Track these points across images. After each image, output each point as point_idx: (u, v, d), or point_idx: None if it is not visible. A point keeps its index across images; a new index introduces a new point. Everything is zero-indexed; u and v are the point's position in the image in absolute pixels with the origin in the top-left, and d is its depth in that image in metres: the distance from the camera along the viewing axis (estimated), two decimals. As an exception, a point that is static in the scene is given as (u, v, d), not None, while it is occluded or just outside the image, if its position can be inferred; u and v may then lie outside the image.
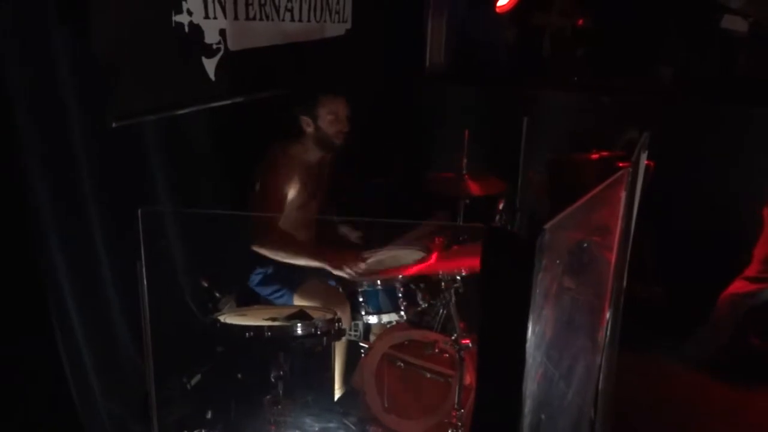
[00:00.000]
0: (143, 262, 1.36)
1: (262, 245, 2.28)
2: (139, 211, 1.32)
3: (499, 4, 3.98)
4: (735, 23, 3.77)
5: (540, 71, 4.28)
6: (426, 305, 2.38)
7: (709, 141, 3.45)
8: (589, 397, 1.84)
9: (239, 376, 1.76)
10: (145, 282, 1.37)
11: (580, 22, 4.17)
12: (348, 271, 2.21)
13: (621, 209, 1.71)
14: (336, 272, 2.24)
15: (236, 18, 2.42)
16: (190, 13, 2.18)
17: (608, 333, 1.86)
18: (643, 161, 2.01)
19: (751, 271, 2.83)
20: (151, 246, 1.49)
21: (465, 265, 1.93)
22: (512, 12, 4.09)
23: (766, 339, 3.11)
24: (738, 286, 2.88)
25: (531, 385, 1.14)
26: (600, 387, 1.85)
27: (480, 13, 4.31)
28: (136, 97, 2.03)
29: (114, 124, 1.92)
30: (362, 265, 2.21)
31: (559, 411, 1.57)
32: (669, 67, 4.01)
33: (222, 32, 2.35)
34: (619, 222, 1.73)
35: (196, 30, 2.23)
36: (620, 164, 2.78)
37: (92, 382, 1.92)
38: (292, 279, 2.38)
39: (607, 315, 1.83)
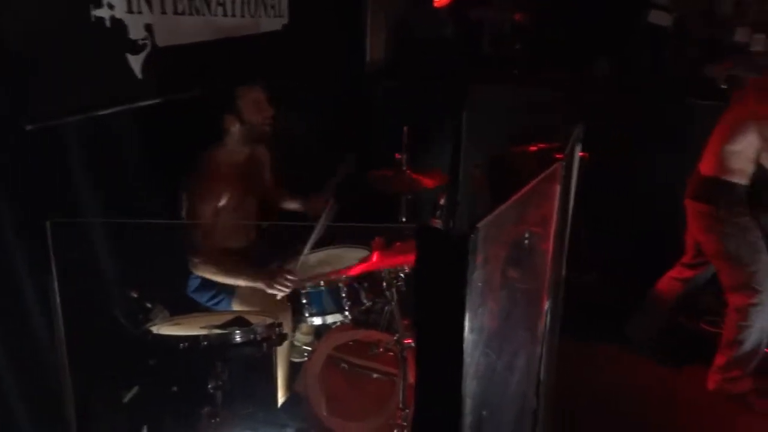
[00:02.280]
0: (54, 276, 1.26)
1: (197, 269, 2.24)
2: (48, 224, 1.23)
3: (437, -2, 4.00)
4: (661, 18, 3.93)
5: (480, 66, 4.33)
6: (370, 304, 2.36)
7: (642, 132, 3.59)
8: (532, 387, 1.86)
9: (175, 388, 1.68)
10: (57, 297, 1.28)
11: (518, 17, 4.24)
12: (279, 287, 2.18)
13: (557, 201, 1.73)
14: (270, 291, 2.20)
15: (164, 12, 2.31)
16: (111, 6, 2.07)
17: (548, 322, 1.90)
18: (578, 153, 2.05)
19: (686, 258, 2.98)
20: (72, 257, 1.40)
21: (408, 261, 1.92)
22: (451, 7, 4.11)
23: (697, 321, 3.28)
24: (674, 272, 3.02)
25: (471, 384, 1.13)
26: (542, 376, 1.88)
27: (419, 8, 4.32)
28: (53, 98, 1.90)
29: (29, 127, 1.79)
30: (291, 278, 2.18)
31: (502, 404, 1.58)
32: (602, 61, 4.14)
33: (148, 27, 2.24)
34: (556, 213, 1.76)
35: (119, 25, 2.11)
36: (557, 156, 2.84)
37: (14, 406, 1.80)
38: (230, 284, 2.31)
39: (547, 305, 1.86)
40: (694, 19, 3.90)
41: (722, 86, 3.79)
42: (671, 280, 3.03)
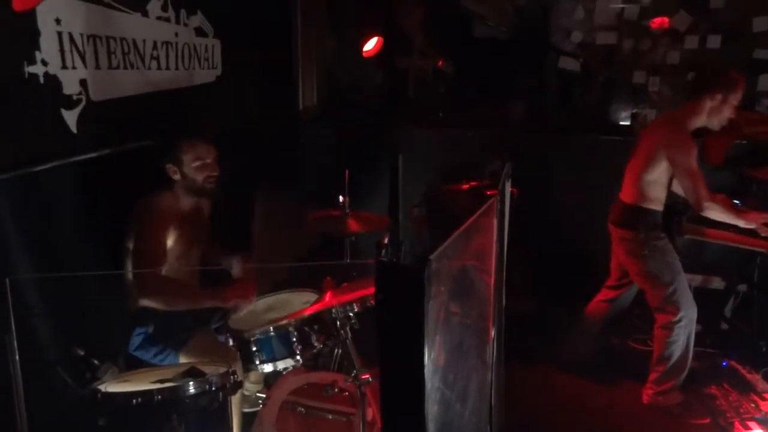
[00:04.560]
0: (14, 335, 1.22)
1: (149, 295, 2.15)
2: (8, 280, 1.19)
3: (365, 49, 4.20)
4: (569, 63, 4.32)
5: (408, 110, 4.55)
6: (321, 346, 2.37)
7: (561, 166, 3.87)
8: (485, 414, 1.94)
9: (128, 448, 1.62)
10: (17, 356, 1.22)
11: (440, 63, 4.51)
12: (244, 305, 2.14)
13: (494, 234, 1.86)
14: (238, 304, 2.16)
15: (98, 67, 2.32)
16: (45, 63, 2.06)
17: (495, 350, 1.99)
18: (508, 189, 2.22)
19: (610, 280, 3.20)
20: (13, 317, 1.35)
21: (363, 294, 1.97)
22: (378, 56, 4.33)
23: (625, 339, 3.51)
24: (601, 295, 3.24)
25: (432, 408, 1.19)
26: (493, 401, 1.96)
27: (348, 57, 4.52)
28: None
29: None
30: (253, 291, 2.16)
31: (460, 429, 1.64)
32: (520, 102, 4.47)
33: (83, 82, 2.24)
34: (494, 246, 1.89)
35: (53, 81, 2.10)
36: (488, 192, 3.02)
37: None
38: (176, 337, 2.26)
39: (492, 333, 1.97)
40: (598, 64, 4.32)
41: (622, 123, 4.21)
42: (599, 303, 3.25)
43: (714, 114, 2.75)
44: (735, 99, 2.73)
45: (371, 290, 1.99)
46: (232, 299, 2.16)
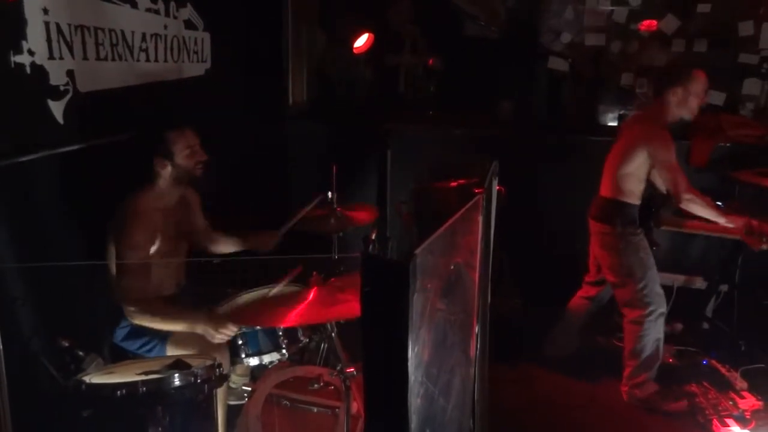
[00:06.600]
0: None
1: (134, 318, 2.18)
2: (-9, 269, 1.19)
3: (355, 45, 4.20)
4: (558, 64, 4.36)
5: (397, 107, 4.56)
6: (307, 340, 2.38)
7: (549, 165, 3.90)
8: (467, 409, 1.96)
9: (112, 439, 1.62)
10: (0, 347, 1.22)
11: (431, 61, 4.53)
12: (223, 335, 2.16)
13: (480, 231, 1.88)
14: (216, 339, 2.16)
15: (85, 58, 2.30)
16: (31, 53, 2.04)
17: (478, 346, 2.02)
18: (495, 187, 2.24)
19: (589, 277, 3.25)
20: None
21: (344, 309, 1.94)
22: (369, 53, 4.33)
23: (609, 338, 3.55)
24: (581, 292, 3.28)
25: (415, 401, 1.21)
26: (476, 398, 1.98)
27: (339, 53, 4.52)
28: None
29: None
30: (233, 328, 2.17)
31: (441, 427, 1.66)
32: (509, 102, 4.49)
33: (70, 73, 2.22)
34: (479, 243, 1.91)
35: (40, 71, 2.08)
36: (476, 190, 3.03)
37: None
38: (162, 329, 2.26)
39: (476, 329, 1.99)
40: (586, 65, 4.36)
41: (610, 124, 4.25)
42: (579, 299, 3.30)
43: (681, 106, 2.85)
44: (699, 90, 2.84)
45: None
46: (216, 332, 2.16)
